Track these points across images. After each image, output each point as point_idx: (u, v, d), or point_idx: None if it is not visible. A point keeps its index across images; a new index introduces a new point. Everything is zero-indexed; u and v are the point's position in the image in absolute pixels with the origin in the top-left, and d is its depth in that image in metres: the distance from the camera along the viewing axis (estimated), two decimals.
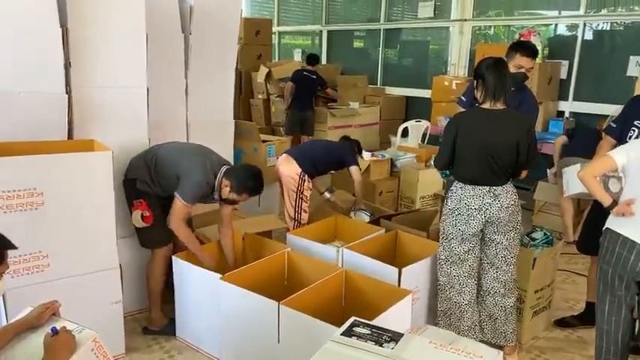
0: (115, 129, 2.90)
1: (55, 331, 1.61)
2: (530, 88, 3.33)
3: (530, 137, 2.58)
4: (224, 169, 2.78)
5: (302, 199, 3.70)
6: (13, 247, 1.63)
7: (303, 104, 6.54)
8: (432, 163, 2.80)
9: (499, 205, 2.55)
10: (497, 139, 2.53)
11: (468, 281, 2.70)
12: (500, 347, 2.67)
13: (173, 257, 2.80)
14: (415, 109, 7.19)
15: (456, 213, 2.61)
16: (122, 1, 2.81)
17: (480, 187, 2.56)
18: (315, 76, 6.62)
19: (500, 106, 2.55)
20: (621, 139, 2.76)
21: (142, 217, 2.77)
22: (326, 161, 3.83)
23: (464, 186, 2.60)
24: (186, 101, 3.50)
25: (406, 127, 6.05)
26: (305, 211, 3.73)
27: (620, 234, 2.24)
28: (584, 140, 4.07)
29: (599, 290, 2.40)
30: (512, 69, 2.97)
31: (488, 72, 2.55)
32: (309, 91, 6.57)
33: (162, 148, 2.87)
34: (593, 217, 2.90)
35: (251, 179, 2.77)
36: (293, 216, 3.73)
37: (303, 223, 3.71)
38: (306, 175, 3.68)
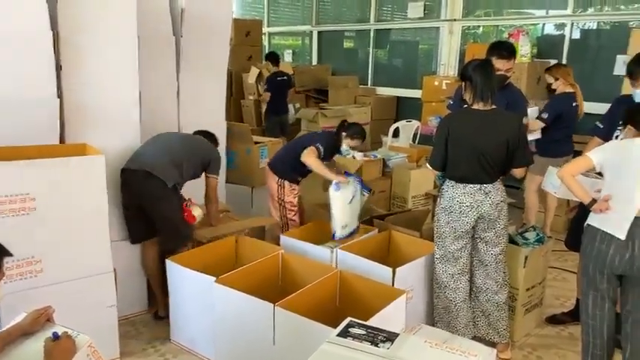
0: (107, 132, 2.90)
1: (56, 336, 1.61)
2: (516, 87, 3.38)
3: (520, 134, 2.64)
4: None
5: (285, 207, 3.53)
6: (9, 255, 1.62)
7: (280, 108, 6.67)
8: (427, 163, 2.83)
9: (490, 202, 2.62)
10: (488, 138, 2.58)
11: (462, 279, 2.76)
12: (493, 344, 2.70)
13: (167, 261, 2.80)
14: (406, 109, 7.22)
15: (449, 211, 2.66)
16: (113, 5, 2.81)
17: (472, 185, 2.62)
18: (285, 77, 6.72)
19: (488, 106, 2.61)
20: (607, 138, 2.81)
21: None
22: (293, 157, 3.42)
23: (455, 184, 2.65)
24: (177, 103, 3.51)
25: (397, 127, 6.08)
26: (293, 220, 3.54)
27: (599, 229, 2.31)
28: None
29: (583, 285, 2.47)
30: None
31: (475, 74, 2.60)
32: (283, 93, 6.66)
33: (172, 147, 3.04)
34: (581, 214, 2.94)
35: None
36: (281, 227, 3.59)
37: None
38: (285, 182, 3.49)
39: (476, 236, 2.73)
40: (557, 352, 2.93)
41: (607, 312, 2.40)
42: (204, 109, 3.64)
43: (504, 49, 3.14)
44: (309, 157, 3.30)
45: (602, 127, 2.93)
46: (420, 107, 6.52)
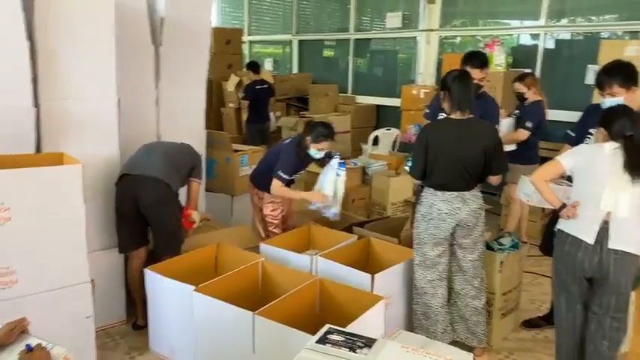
0: (85, 141, 2.88)
1: (29, 349, 1.59)
2: (490, 96, 3.47)
3: (496, 142, 2.72)
4: None
5: (267, 222, 3.51)
6: None
7: (260, 116, 6.67)
8: (408, 171, 2.88)
9: (468, 209, 2.68)
10: (466, 146, 2.66)
11: (440, 284, 2.81)
12: (471, 349, 2.74)
13: (145, 270, 2.78)
14: (385, 117, 7.30)
15: (428, 218, 2.72)
16: (91, 13, 2.80)
17: (450, 193, 2.68)
18: (266, 86, 6.72)
19: (466, 115, 2.67)
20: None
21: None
22: (268, 171, 3.33)
23: (434, 192, 2.71)
24: (157, 112, 3.49)
25: (377, 136, 6.15)
26: (274, 233, 3.49)
27: (569, 234, 2.37)
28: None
29: (555, 288, 2.54)
30: None
31: (454, 84, 2.68)
32: (264, 102, 6.67)
33: (170, 153, 3.09)
34: (554, 220, 2.99)
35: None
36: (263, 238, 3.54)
37: None
38: (265, 193, 3.42)
39: (454, 243, 2.79)
40: (532, 356, 2.99)
41: (578, 314, 2.47)
42: (184, 117, 3.64)
43: (477, 59, 3.23)
44: (277, 191, 3.27)
45: (573, 135, 3.02)
46: (399, 116, 6.60)
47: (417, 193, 2.96)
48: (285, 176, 3.24)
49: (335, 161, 3.32)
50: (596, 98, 2.96)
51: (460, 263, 2.81)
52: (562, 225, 2.43)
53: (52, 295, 2.47)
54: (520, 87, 4.26)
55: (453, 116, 2.71)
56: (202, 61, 3.75)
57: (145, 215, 2.93)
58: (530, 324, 3.28)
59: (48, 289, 2.47)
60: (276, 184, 3.25)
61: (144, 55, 3.36)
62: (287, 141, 3.43)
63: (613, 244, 2.25)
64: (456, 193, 2.69)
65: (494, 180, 2.81)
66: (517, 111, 4.33)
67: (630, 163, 2.21)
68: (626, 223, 2.25)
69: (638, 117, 2.35)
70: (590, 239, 2.29)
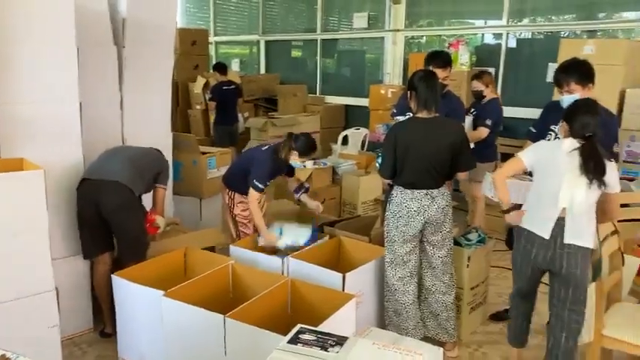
0: (47, 146, 2.80)
1: None
2: (455, 95, 3.53)
3: (463, 139, 2.78)
4: None
5: (236, 220, 3.49)
6: None
7: (228, 118, 6.61)
8: (378, 171, 2.91)
9: (436, 206, 2.73)
10: (433, 145, 2.71)
11: (411, 281, 2.85)
12: (441, 343, 2.79)
13: (113, 276, 2.72)
14: (354, 117, 7.35)
15: (397, 216, 2.76)
16: (50, 15, 2.73)
17: (418, 191, 2.73)
18: (233, 86, 6.66)
19: (432, 114, 2.73)
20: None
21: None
22: (242, 174, 3.33)
23: (404, 190, 2.76)
24: (121, 115, 3.43)
25: (346, 135, 6.19)
26: (245, 233, 3.47)
27: (525, 228, 2.45)
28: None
29: (513, 278, 2.65)
30: None
31: (420, 84, 2.73)
32: (232, 103, 6.61)
33: (134, 158, 3.02)
34: None
35: None
36: (235, 238, 3.53)
37: None
38: (235, 194, 3.42)
39: (423, 240, 2.83)
40: (500, 348, 3.06)
41: (531, 304, 2.66)
42: (149, 119, 3.58)
43: (440, 58, 3.28)
44: (251, 204, 3.22)
45: (535, 131, 3.10)
46: (367, 115, 6.66)
47: (387, 192, 3.00)
48: (260, 185, 3.20)
49: (308, 233, 3.27)
50: (557, 95, 3.06)
51: (430, 260, 2.86)
52: (523, 222, 2.47)
53: (15, 304, 2.40)
54: (478, 85, 4.32)
55: (419, 115, 2.76)
56: (167, 62, 3.70)
57: (107, 220, 2.87)
58: (497, 317, 3.37)
59: (10, 298, 2.39)
60: (252, 196, 3.21)
61: (106, 57, 3.29)
62: (263, 148, 3.37)
63: (568, 239, 2.32)
64: (424, 191, 2.73)
65: (462, 176, 2.88)
66: (473, 109, 4.37)
67: (586, 168, 2.25)
68: (581, 219, 2.32)
69: (601, 115, 2.38)
70: (546, 234, 2.35)
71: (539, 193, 2.42)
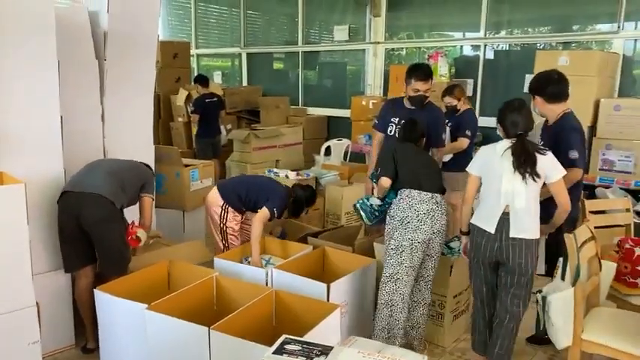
0: (27, 160, 2.77)
1: None
2: (436, 106, 3.61)
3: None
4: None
5: (227, 232, 3.52)
6: None
7: (211, 130, 6.61)
8: (378, 175, 2.93)
9: (441, 212, 2.76)
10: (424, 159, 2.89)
11: (408, 299, 2.83)
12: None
13: (95, 291, 2.69)
14: (336, 128, 7.41)
15: (405, 222, 2.74)
16: (31, 28, 2.71)
17: (425, 193, 2.76)
18: (215, 99, 6.66)
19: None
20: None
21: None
22: (245, 194, 3.47)
23: (410, 192, 2.77)
24: (103, 128, 3.41)
25: (329, 146, 6.23)
26: (234, 245, 3.50)
27: (475, 225, 2.63)
28: None
29: (470, 274, 2.77)
30: (410, 92, 3.23)
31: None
32: (214, 115, 6.61)
33: (115, 171, 3.01)
34: None
35: None
36: (222, 249, 3.54)
37: None
38: (230, 207, 3.47)
39: (426, 251, 2.81)
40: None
41: (486, 293, 2.72)
42: (131, 132, 3.57)
43: (421, 71, 3.32)
44: (258, 223, 3.26)
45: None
46: (349, 126, 6.72)
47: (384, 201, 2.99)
48: (276, 214, 3.34)
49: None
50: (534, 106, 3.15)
51: (427, 273, 2.87)
52: (473, 219, 2.69)
53: None
54: (451, 100, 4.34)
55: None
56: (149, 75, 3.69)
57: (88, 233, 2.84)
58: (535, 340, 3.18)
59: None
60: (263, 216, 3.29)
61: (87, 70, 3.28)
62: (282, 185, 3.58)
63: (512, 232, 2.50)
64: (430, 194, 2.77)
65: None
66: (448, 121, 4.35)
67: (517, 164, 2.46)
68: (523, 213, 2.50)
69: (529, 113, 2.58)
70: (492, 229, 2.54)
71: (484, 192, 2.64)
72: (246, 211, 3.51)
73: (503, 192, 2.50)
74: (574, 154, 2.80)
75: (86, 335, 3.00)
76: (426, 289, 2.91)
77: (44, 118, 2.84)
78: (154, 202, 3.23)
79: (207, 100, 6.54)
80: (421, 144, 3.07)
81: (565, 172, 2.52)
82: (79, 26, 3.20)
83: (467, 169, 2.70)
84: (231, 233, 3.52)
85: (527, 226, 2.51)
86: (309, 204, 3.57)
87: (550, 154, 2.51)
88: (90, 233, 2.84)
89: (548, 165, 2.49)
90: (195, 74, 7.90)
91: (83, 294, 2.94)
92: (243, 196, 3.46)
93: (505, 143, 2.55)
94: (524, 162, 2.45)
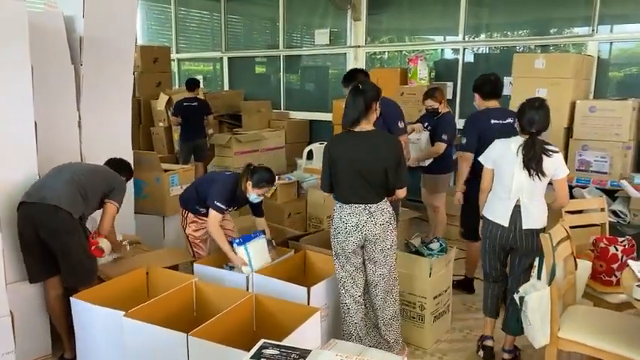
0: (1, 167, 2.72)
1: None
2: (391, 99, 3.74)
3: (397, 156, 2.70)
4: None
5: (188, 238, 3.43)
6: None
7: (191, 133, 6.54)
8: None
9: (374, 222, 2.68)
10: (365, 159, 2.66)
11: (361, 301, 2.83)
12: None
13: (72, 299, 2.65)
14: (318, 131, 7.42)
15: (337, 232, 2.74)
16: (2, 34, 2.67)
17: (357, 205, 2.68)
18: (195, 103, 6.58)
19: (365, 127, 2.68)
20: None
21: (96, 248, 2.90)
22: (197, 195, 3.34)
23: (342, 205, 2.73)
24: (79, 134, 3.37)
25: (311, 150, 6.23)
26: (199, 254, 3.42)
27: (490, 220, 2.84)
28: None
29: (482, 257, 3.00)
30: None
31: (349, 97, 2.72)
32: (195, 119, 6.54)
33: (78, 177, 2.89)
34: (466, 212, 3.64)
35: None
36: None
37: None
38: (189, 213, 3.38)
39: (365, 257, 2.79)
40: (464, 355, 3.11)
41: (498, 273, 2.97)
42: (109, 138, 3.54)
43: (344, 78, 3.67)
44: (212, 227, 3.15)
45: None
46: (331, 129, 6.72)
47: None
48: (222, 205, 3.14)
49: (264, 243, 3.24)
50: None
51: (371, 278, 2.80)
52: (485, 212, 2.90)
53: None
54: (432, 103, 4.30)
55: (353, 128, 2.69)
56: (127, 79, 3.67)
57: (47, 244, 2.76)
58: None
59: None
60: (213, 218, 3.14)
61: (63, 75, 3.25)
62: (227, 173, 3.38)
63: (525, 225, 2.73)
64: (362, 205, 2.67)
65: (400, 194, 2.79)
66: (427, 125, 4.41)
67: (525, 163, 2.65)
68: (533, 206, 2.73)
69: (547, 113, 2.70)
70: (506, 223, 2.77)
71: (496, 186, 2.83)
72: (206, 214, 3.27)
73: (515, 187, 2.71)
74: (463, 140, 3.49)
75: (63, 345, 2.95)
76: (377, 295, 2.81)
77: (17, 124, 2.80)
78: (117, 210, 3.03)
79: (184, 104, 6.51)
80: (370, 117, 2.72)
81: (568, 172, 2.78)
82: (54, 31, 3.16)
83: (481, 161, 2.90)
84: (192, 240, 3.42)
85: (536, 217, 2.74)
86: (257, 185, 3.17)
87: (556, 156, 2.68)
88: (49, 245, 2.76)
89: (553, 166, 2.68)
90: (177, 79, 7.83)
91: (54, 305, 2.89)
92: (196, 194, 3.33)
93: (519, 140, 2.71)
94: (530, 160, 2.64)
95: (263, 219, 3.46)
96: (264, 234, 3.31)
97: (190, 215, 3.38)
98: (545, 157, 2.64)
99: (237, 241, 3.11)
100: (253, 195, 3.21)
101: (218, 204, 3.14)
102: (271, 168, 3.36)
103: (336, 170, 2.71)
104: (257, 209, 3.42)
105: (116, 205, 3.02)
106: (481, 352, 3.05)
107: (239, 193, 3.22)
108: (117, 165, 3.24)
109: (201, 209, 3.33)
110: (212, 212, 3.15)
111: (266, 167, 3.30)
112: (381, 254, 2.74)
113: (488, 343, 3.03)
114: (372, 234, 2.69)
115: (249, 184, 3.17)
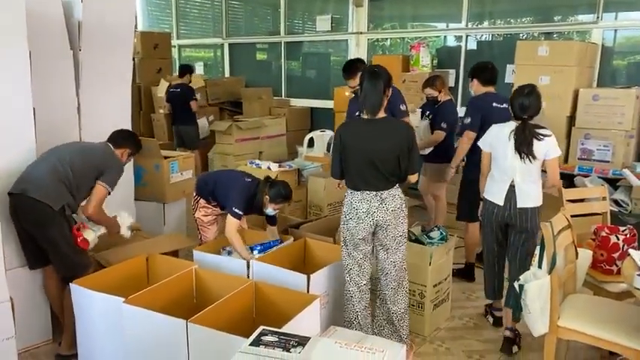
0: None
1: None
2: (395, 87, 3.65)
3: (409, 142, 2.68)
4: None
5: (197, 222, 3.49)
6: None
7: (178, 119, 6.62)
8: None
9: (385, 208, 2.66)
10: (377, 145, 2.63)
11: (366, 289, 2.81)
12: None
13: (71, 285, 2.65)
14: (319, 119, 7.38)
15: (348, 218, 2.72)
16: (0, 19, 2.64)
17: (368, 192, 2.67)
18: (178, 89, 6.58)
19: (377, 115, 2.65)
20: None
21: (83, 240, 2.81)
22: (213, 189, 3.39)
23: (353, 192, 2.71)
24: (78, 119, 3.35)
25: (312, 138, 6.21)
26: (205, 235, 3.48)
27: (487, 199, 3.02)
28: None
29: (482, 237, 3.17)
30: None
31: (364, 82, 2.66)
32: (180, 105, 6.54)
33: (65, 165, 2.78)
34: (463, 193, 3.86)
35: None
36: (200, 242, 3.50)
37: None
38: (201, 199, 3.43)
39: (376, 243, 2.77)
40: (463, 342, 3.12)
41: (497, 252, 3.11)
42: (108, 124, 3.48)
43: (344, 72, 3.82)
44: (230, 232, 3.15)
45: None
46: (332, 117, 6.69)
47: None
48: (239, 212, 3.17)
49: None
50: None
51: (382, 265, 2.78)
52: (485, 194, 3.06)
53: None
54: (432, 92, 4.26)
55: (364, 116, 2.69)
56: (126, 65, 3.63)
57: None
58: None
59: None
60: (232, 224, 3.15)
61: (62, 61, 3.21)
62: (248, 180, 3.34)
63: (519, 204, 2.89)
64: (373, 192, 2.65)
65: (412, 179, 2.79)
66: (428, 113, 4.38)
67: (517, 147, 2.79)
68: (527, 186, 2.87)
69: (537, 99, 2.82)
70: (501, 202, 2.93)
71: (493, 168, 3.00)
72: (217, 206, 3.41)
73: (508, 168, 2.88)
74: (467, 119, 3.64)
75: (61, 335, 2.94)
76: (388, 285, 2.79)
77: (16, 110, 2.78)
78: (108, 193, 2.90)
79: (171, 90, 6.61)
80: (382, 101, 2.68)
81: (560, 153, 2.89)
82: (52, 16, 3.12)
83: (480, 145, 3.06)
84: (201, 224, 3.48)
85: (531, 197, 2.89)
86: (274, 200, 3.23)
87: (547, 139, 2.80)
88: (34, 237, 2.74)
89: (544, 149, 2.81)
90: (177, 65, 7.80)
91: (54, 294, 2.89)
92: (212, 188, 3.38)
93: (512, 125, 2.86)
94: (522, 144, 2.78)
95: (275, 228, 3.48)
96: (280, 241, 3.36)
97: (202, 201, 3.43)
98: (535, 141, 2.78)
99: (258, 248, 3.19)
100: (270, 209, 3.27)
101: (236, 210, 3.17)
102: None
103: (348, 158, 2.69)
104: (272, 218, 3.46)
105: (106, 187, 2.87)
106: (490, 318, 3.33)
107: (256, 203, 3.26)
108: (119, 138, 3.11)
109: (213, 202, 3.41)
110: (230, 218, 3.17)
111: (283, 182, 3.34)
112: (393, 241, 2.73)
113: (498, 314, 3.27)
114: (383, 220, 2.67)
115: (267, 198, 3.22)
